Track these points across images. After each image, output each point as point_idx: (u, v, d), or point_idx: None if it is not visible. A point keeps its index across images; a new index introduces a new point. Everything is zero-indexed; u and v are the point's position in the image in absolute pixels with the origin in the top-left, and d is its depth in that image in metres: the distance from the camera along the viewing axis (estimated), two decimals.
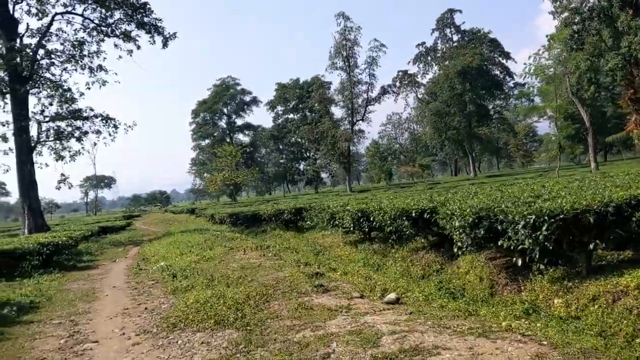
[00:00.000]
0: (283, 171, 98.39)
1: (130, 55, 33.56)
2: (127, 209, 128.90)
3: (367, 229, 13.61)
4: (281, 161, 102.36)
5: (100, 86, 33.21)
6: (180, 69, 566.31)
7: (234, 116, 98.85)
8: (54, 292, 11.76)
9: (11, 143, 30.15)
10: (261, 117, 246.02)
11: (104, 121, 32.08)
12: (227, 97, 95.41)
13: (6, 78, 29.98)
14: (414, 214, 10.51)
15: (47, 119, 31.03)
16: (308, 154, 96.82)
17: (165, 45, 33.02)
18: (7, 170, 30.93)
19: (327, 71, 71.23)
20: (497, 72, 79.91)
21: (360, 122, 72.63)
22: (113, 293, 11.33)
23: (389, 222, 11.51)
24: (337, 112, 77.22)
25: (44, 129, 31.22)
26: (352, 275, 10.60)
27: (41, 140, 31.33)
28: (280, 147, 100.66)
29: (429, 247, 11.46)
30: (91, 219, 61.38)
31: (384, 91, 74.87)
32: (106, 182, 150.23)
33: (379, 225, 12.27)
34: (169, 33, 32.51)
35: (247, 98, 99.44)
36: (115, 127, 32.39)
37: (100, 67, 32.77)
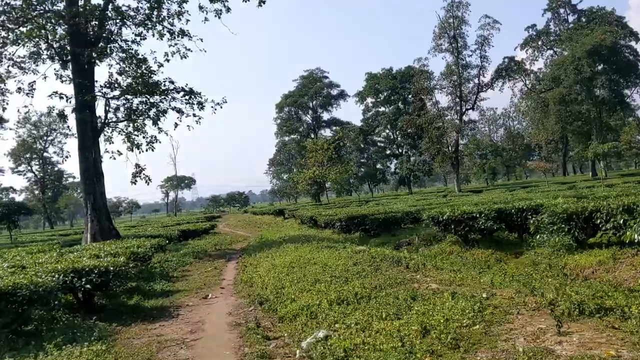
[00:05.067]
0: (372, 170, 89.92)
1: (219, 17, 26.45)
2: (207, 209, 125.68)
3: None
4: (369, 159, 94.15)
5: (182, 57, 26.31)
6: (253, 66, 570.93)
7: (320, 110, 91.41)
8: None
9: (72, 123, 23.68)
10: (348, 113, 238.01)
11: (187, 97, 25.01)
12: (313, 90, 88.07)
13: (67, 41, 23.72)
14: None
15: (116, 92, 24.35)
16: (400, 151, 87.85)
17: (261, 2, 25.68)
18: (67, 158, 24.63)
19: (430, 54, 62.36)
20: (628, 55, 67.55)
21: (470, 111, 62.85)
22: None
23: None
24: (442, 100, 67.94)
25: (112, 106, 24.60)
26: None
27: (109, 120, 24.73)
28: (370, 143, 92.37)
29: None
30: (171, 220, 55.74)
31: (499, 75, 64.69)
32: (186, 182, 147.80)
33: None
34: None
35: (335, 92, 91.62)
36: (201, 104, 25.21)
37: (182, 33, 25.79)
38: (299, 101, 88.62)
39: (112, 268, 9.48)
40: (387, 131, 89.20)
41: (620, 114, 64.13)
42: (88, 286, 9.11)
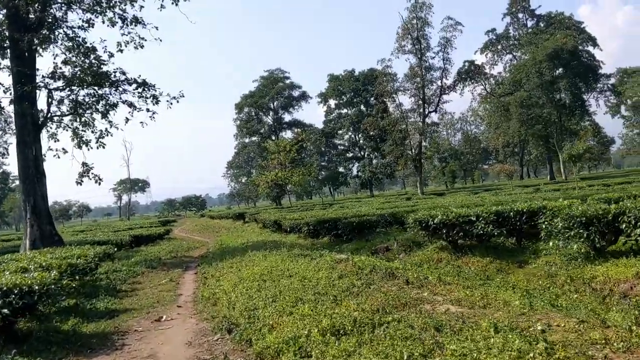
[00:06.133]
0: (334, 172, 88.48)
1: (176, 4, 24.33)
2: (162, 213, 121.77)
3: None
4: (330, 162, 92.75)
5: (137, 47, 24.02)
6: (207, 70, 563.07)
7: (281, 112, 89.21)
8: None
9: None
10: (310, 116, 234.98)
11: (140, 89, 22.73)
12: (274, 91, 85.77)
13: (4, 25, 21.21)
14: None
15: (60, 83, 21.88)
16: (363, 153, 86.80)
17: None
18: (4, 155, 21.96)
19: (393, 55, 60.95)
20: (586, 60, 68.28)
21: (433, 113, 62.11)
22: None
23: None
24: (405, 102, 67.11)
25: (56, 98, 22.11)
26: None
27: (52, 114, 22.25)
28: (331, 145, 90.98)
29: None
30: (123, 225, 52.67)
31: (461, 77, 64.27)
32: (140, 185, 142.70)
33: None
34: None
35: (296, 93, 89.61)
36: (155, 98, 22.94)
37: (136, 20, 23.51)
38: (259, 102, 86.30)
39: (37, 287, 7.44)
40: (350, 133, 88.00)
41: (577, 119, 64.71)
42: (5, 310, 7.07)
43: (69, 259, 11.34)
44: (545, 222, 9.61)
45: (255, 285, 9.89)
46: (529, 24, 79.79)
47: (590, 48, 68.08)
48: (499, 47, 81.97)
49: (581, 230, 8.75)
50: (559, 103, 61.11)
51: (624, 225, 8.46)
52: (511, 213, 11.22)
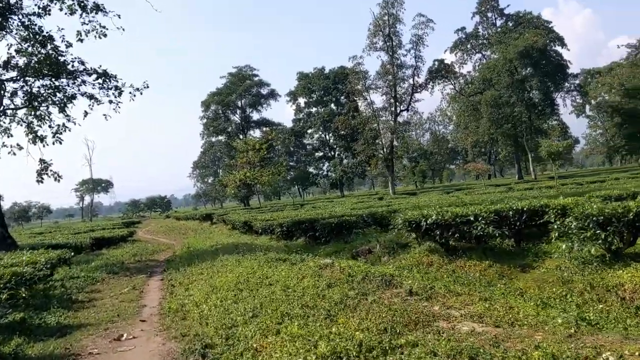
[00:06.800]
0: (303, 172, 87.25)
1: None
2: (125, 214, 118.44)
3: None
4: (299, 162, 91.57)
5: (99, 36, 22.27)
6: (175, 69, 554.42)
7: (249, 110, 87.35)
8: None
9: None
10: (279, 115, 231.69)
11: (101, 80, 21.12)
12: (242, 88, 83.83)
13: None
14: None
15: (13, 74, 20.16)
16: (333, 153, 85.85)
17: None
18: None
19: (365, 52, 60.03)
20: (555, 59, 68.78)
21: (405, 112, 61.43)
22: None
23: None
24: (377, 100, 66.28)
25: (8, 90, 20.35)
26: None
27: (5, 107, 20.49)
28: (300, 145, 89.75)
29: None
30: (85, 226, 50.31)
31: (433, 76, 63.90)
32: (103, 186, 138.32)
33: None
34: None
35: (265, 91, 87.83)
36: (118, 89, 21.37)
37: (97, 8, 21.82)
38: (226, 99, 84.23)
39: None
40: (320, 133, 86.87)
41: (546, 118, 65.13)
42: None
43: (17, 267, 9.92)
44: (558, 223, 8.65)
45: (231, 296, 8.68)
46: (498, 23, 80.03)
47: (558, 48, 68.63)
48: (469, 46, 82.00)
49: (598, 231, 7.83)
50: (530, 102, 61.31)
51: None
52: (510, 212, 10.27)
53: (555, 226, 8.62)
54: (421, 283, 7.46)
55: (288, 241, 21.65)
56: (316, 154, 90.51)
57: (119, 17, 23.47)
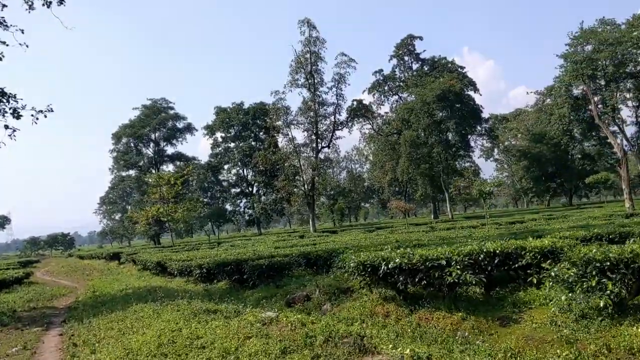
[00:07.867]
0: (219, 209, 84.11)
1: (48, 6, 20.25)
2: (23, 253, 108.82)
3: None
4: (214, 198, 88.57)
5: None
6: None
7: (163, 143, 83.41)
8: None
9: None
10: (193, 148, 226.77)
11: None
12: (156, 121, 79.91)
13: None
14: None
15: None
16: (251, 189, 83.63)
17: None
18: None
19: (286, 88, 59.28)
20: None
21: (326, 149, 60.95)
22: None
23: None
24: (299, 136, 65.54)
25: None
26: None
27: None
28: (215, 181, 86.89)
29: None
30: None
31: (352, 115, 64.17)
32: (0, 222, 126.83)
33: None
34: None
35: (181, 124, 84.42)
36: (16, 112, 18.50)
37: None
38: (139, 132, 79.96)
39: None
40: (238, 168, 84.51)
41: (461, 159, 67.20)
42: None
43: None
44: (554, 269, 7.43)
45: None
46: (414, 66, 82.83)
47: (471, 92, 71.59)
48: (386, 87, 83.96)
49: (603, 279, 6.67)
50: (446, 143, 62.90)
51: None
52: (481, 255, 9.04)
53: (552, 273, 7.39)
54: (406, 350, 5.87)
55: (208, 284, 19.69)
56: (233, 190, 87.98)
57: (22, 32, 20.85)
